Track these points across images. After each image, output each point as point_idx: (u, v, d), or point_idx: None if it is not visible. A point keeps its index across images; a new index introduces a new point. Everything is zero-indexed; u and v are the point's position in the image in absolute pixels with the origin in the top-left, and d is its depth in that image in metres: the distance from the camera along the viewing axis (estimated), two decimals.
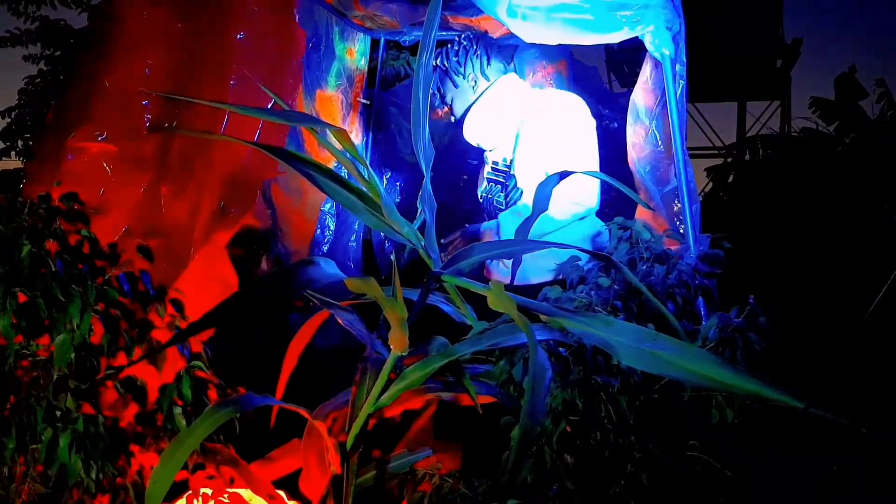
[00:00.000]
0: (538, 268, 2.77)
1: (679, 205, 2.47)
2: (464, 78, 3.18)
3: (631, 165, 2.67)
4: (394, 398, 1.60)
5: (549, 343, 1.76)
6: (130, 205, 2.30)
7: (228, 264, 2.34)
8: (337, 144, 1.62)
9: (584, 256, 2.24)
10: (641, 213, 2.55)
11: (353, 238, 3.51)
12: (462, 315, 1.76)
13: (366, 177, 1.57)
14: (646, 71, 2.62)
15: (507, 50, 3.44)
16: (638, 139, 2.64)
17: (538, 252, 2.17)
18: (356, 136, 3.45)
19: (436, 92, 3.25)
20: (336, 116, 3.26)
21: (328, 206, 3.30)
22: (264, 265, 2.80)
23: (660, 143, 2.57)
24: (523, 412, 1.33)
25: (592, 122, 3.02)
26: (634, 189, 2.66)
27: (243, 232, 2.53)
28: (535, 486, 1.66)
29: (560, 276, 2.27)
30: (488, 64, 3.17)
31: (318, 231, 3.27)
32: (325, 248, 3.32)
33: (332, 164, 1.99)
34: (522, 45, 3.32)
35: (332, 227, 3.38)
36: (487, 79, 3.18)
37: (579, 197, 2.89)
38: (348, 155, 1.58)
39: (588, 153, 2.97)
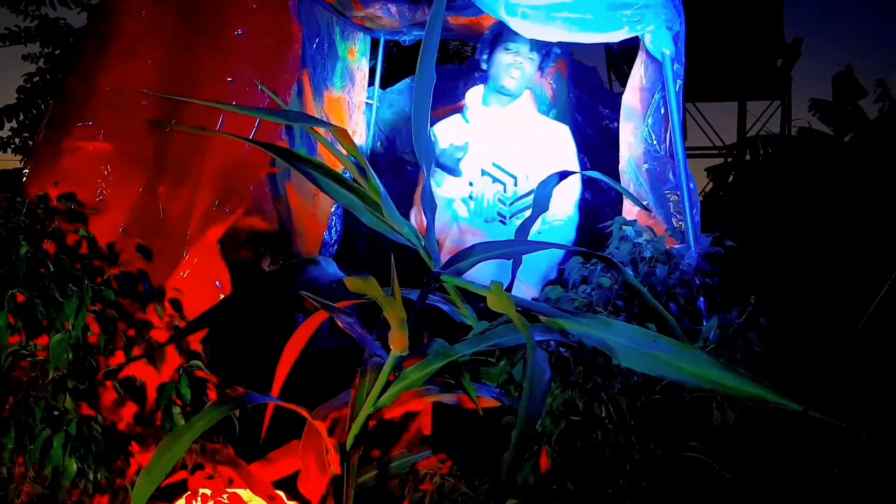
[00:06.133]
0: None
1: (678, 202, 2.47)
2: None
3: (623, 164, 2.67)
4: (393, 399, 1.60)
5: (549, 343, 1.76)
6: (128, 204, 2.29)
7: (220, 261, 2.34)
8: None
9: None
10: (634, 213, 2.54)
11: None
12: (462, 315, 1.75)
13: (366, 176, 1.57)
14: (639, 70, 2.61)
15: None
16: (632, 138, 2.64)
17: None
18: (360, 137, 3.45)
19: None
20: (343, 118, 3.25)
21: (333, 206, 3.29)
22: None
23: (654, 141, 2.56)
24: (520, 412, 1.32)
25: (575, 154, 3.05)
26: (626, 187, 2.65)
27: (250, 234, 2.53)
28: (535, 486, 1.66)
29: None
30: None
31: (327, 234, 3.26)
32: (333, 250, 3.31)
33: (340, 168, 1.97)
34: None
35: (339, 229, 3.37)
36: None
37: (559, 210, 2.91)
38: (349, 155, 1.57)
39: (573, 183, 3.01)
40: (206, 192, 2.34)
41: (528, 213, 2.88)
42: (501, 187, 2.94)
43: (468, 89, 3.11)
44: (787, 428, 1.76)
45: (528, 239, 1.93)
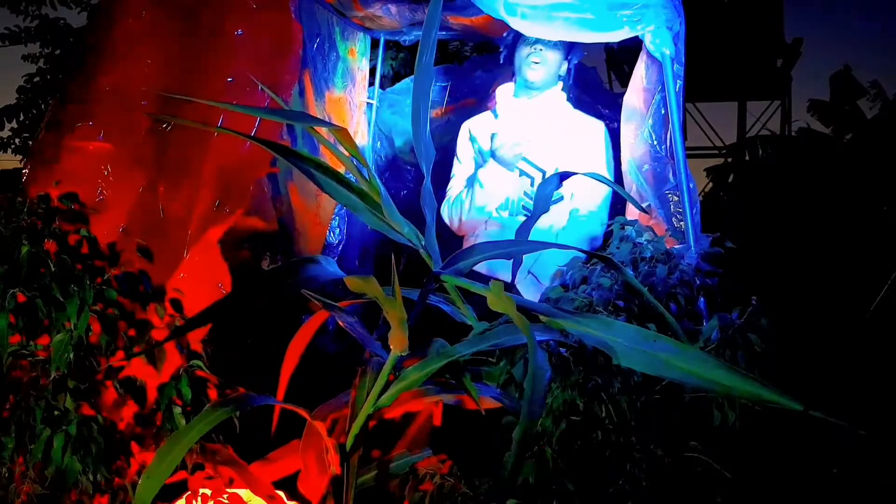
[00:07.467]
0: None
1: (678, 202, 2.47)
2: None
3: (624, 164, 2.67)
4: (393, 399, 1.60)
5: (550, 343, 1.76)
6: (128, 204, 2.30)
7: (220, 261, 2.34)
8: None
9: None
10: (635, 213, 2.54)
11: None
12: (462, 315, 1.75)
13: (367, 176, 1.57)
14: (640, 70, 2.61)
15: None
16: (633, 138, 2.64)
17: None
18: (362, 137, 3.44)
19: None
20: (346, 118, 3.25)
21: (336, 207, 3.28)
22: None
23: (655, 141, 2.56)
24: (522, 412, 1.33)
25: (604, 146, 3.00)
26: (628, 188, 2.65)
27: (252, 234, 2.53)
28: (536, 486, 1.66)
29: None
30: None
31: (331, 235, 3.26)
32: (337, 251, 3.31)
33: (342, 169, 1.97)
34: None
35: (342, 230, 3.37)
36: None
37: (586, 204, 2.89)
38: (350, 155, 1.57)
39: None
40: (206, 192, 2.35)
41: (553, 207, 2.88)
42: (529, 181, 2.91)
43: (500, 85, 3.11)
44: (787, 428, 1.77)
45: (532, 239, 1.93)
